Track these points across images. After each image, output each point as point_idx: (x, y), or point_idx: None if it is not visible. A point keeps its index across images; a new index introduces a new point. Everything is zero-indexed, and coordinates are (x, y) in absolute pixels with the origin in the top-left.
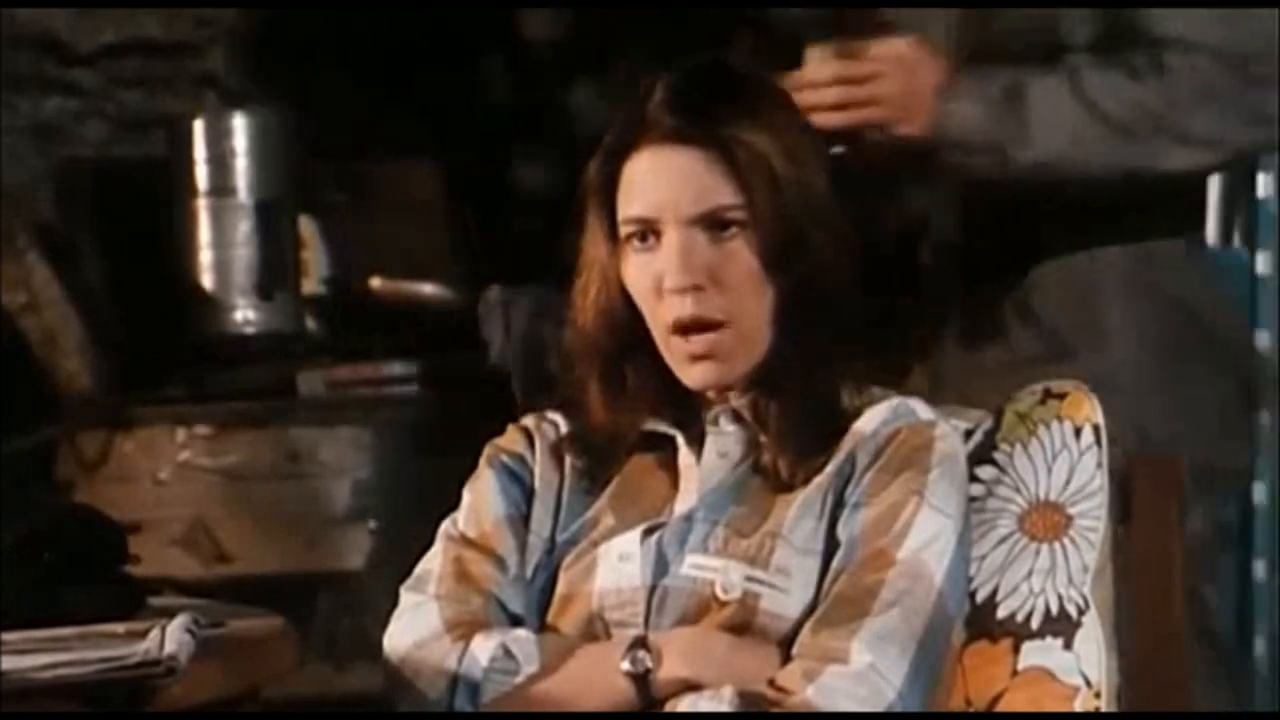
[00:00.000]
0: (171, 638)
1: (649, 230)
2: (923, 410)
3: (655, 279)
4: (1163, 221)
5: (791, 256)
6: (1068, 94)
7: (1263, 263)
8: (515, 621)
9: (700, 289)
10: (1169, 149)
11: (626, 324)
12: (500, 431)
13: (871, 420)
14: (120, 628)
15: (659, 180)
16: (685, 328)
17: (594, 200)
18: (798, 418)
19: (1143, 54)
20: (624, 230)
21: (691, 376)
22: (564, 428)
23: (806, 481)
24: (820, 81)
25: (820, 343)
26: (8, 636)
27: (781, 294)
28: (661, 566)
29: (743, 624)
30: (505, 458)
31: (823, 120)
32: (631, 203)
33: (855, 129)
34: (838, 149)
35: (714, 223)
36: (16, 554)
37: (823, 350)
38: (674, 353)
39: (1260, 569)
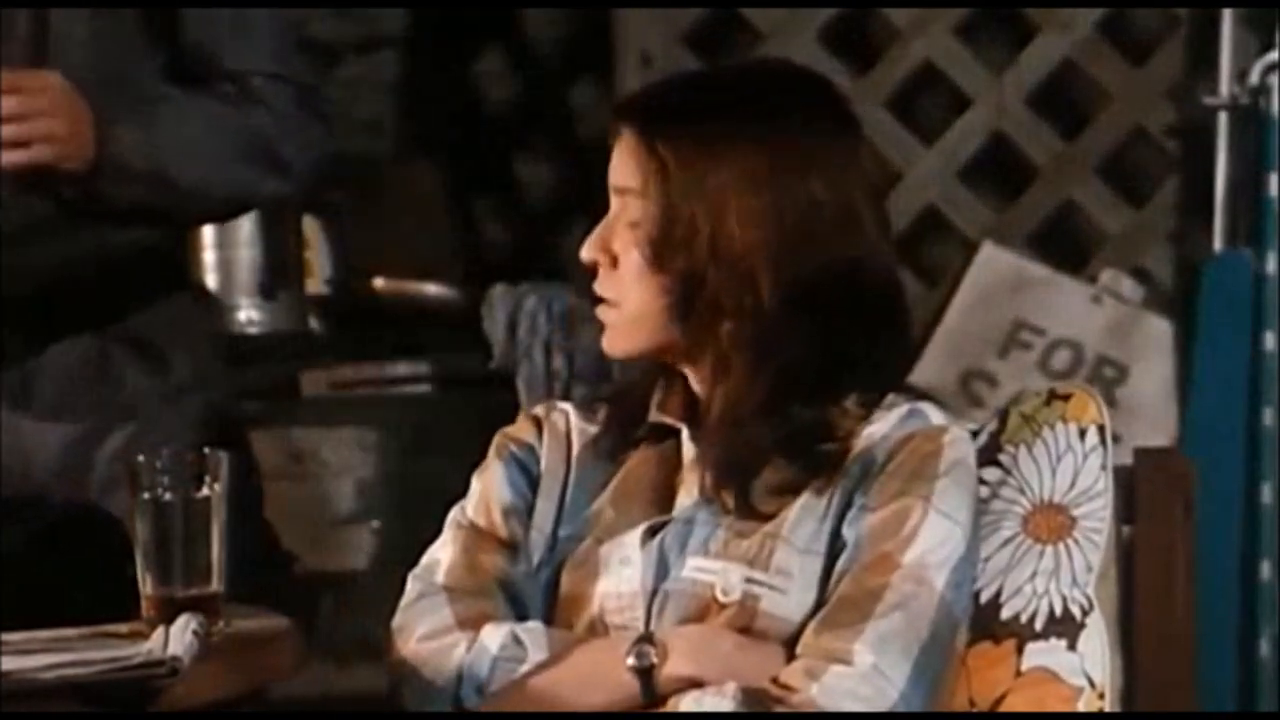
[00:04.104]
0: (175, 638)
1: None
2: (935, 415)
3: None
4: None
5: (670, 254)
6: (195, 118)
7: (1270, 263)
8: (522, 615)
9: (597, 264)
10: (265, 176)
11: None
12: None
13: (883, 425)
14: (123, 628)
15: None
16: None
17: None
18: (739, 452)
19: (230, 85)
20: None
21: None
22: (574, 418)
23: (777, 512)
24: None
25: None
26: (10, 637)
27: (672, 293)
28: (662, 570)
29: (743, 626)
30: (514, 447)
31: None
32: None
33: (27, 169)
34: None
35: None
36: (19, 554)
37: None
38: None
39: (1266, 569)
